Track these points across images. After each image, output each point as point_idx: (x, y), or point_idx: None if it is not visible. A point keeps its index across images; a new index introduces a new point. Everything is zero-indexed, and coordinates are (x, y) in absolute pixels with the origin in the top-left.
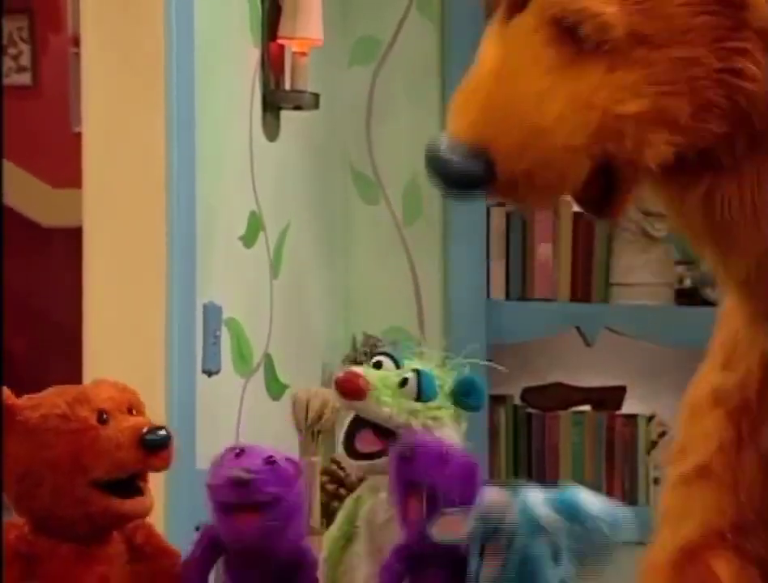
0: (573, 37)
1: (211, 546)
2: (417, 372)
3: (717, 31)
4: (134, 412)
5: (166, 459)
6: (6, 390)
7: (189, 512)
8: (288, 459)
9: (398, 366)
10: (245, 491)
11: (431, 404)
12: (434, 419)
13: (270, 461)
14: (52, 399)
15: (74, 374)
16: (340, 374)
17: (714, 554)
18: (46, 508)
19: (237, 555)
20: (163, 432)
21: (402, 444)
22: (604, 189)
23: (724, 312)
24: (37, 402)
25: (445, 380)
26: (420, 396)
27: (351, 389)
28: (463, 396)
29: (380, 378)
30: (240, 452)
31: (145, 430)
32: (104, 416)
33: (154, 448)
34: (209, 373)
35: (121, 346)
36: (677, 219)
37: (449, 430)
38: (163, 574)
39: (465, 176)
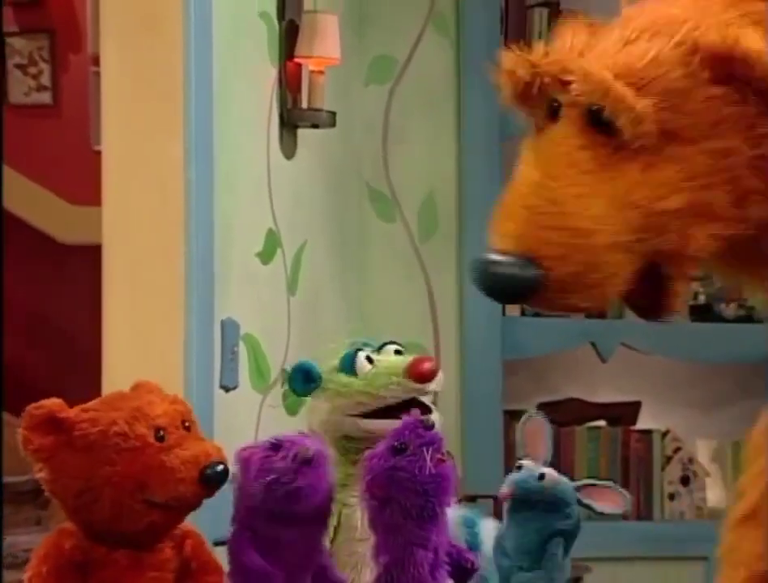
0: (607, 137)
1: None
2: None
3: (745, 119)
4: (187, 424)
5: (219, 489)
6: (61, 403)
7: (209, 526)
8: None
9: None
10: None
11: None
12: None
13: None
14: (108, 414)
15: (92, 389)
16: (421, 363)
17: None
18: (104, 521)
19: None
20: (221, 468)
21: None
22: (653, 289)
23: None
24: (94, 416)
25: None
26: None
27: (434, 372)
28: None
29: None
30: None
31: (206, 465)
32: (161, 433)
33: (213, 483)
34: (227, 389)
35: (140, 361)
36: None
37: None
38: None
39: (515, 285)
